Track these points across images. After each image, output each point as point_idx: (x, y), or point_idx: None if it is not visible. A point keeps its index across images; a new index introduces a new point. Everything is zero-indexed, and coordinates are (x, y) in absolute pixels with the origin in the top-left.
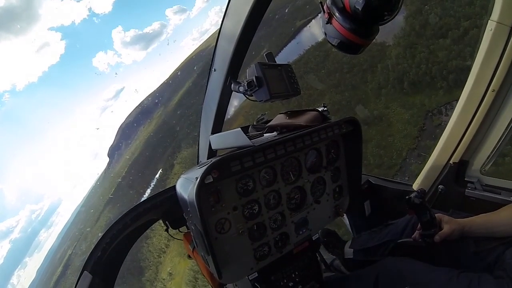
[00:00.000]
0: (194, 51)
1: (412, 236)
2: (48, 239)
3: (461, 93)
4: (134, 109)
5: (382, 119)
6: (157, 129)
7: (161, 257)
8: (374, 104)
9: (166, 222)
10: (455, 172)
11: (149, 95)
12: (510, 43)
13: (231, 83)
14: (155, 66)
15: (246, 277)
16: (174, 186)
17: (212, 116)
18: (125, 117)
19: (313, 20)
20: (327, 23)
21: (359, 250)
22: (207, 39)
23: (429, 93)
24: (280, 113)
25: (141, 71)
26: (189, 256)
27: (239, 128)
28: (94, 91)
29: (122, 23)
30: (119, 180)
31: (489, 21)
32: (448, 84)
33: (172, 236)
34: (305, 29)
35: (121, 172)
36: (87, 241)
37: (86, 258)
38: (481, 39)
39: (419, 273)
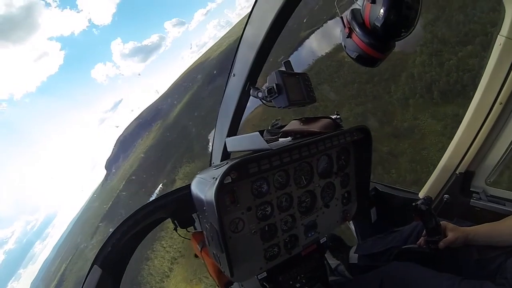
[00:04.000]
0: (193, 63)
1: (417, 242)
2: (43, 250)
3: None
4: (133, 121)
5: (413, 131)
6: (155, 142)
7: (164, 281)
8: (401, 116)
9: (175, 221)
10: (461, 182)
11: (147, 107)
12: None
13: (250, 89)
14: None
15: (255, 276)
16: (184, 187)
17: (229, 120)
18: (123, 129)
19: (318, 30)
20: (347, 37)
21: (364, 255)
22: (206, 52)
23: (461, 103)
24: (294, 119)
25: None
26: (195, 256)
27: (257, 132)
28: (93, 102)
29: (121, 35)
30: (117, 193)
31: (498, 36)
32: None
33: (180, 235)
34: (311, 38)
35: (119, 185)
36: (82, 257)
37: (96, 253)
38: (490, 53)
39: (423, 279)
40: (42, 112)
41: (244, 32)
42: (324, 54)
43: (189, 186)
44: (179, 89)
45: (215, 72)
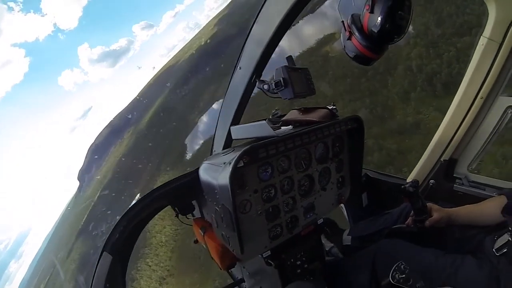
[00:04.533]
0: (163, 67)
1: (406, 222)
2: (19, 270)
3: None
4: (104, 128)
5: (419, 126)
6: (129, 150)
7: None
8: (402, 110)
9: (176, 208)
10: (445, 169)
11: (118, 113)
12: (498, 58)
13: (256, 82)
14: (123, 83)
15: (258, 257)
16: (184, 175)
17: (233, 109)
18: (95, 137)
19: (293, 27)
20: (347, 39)
21: (356, 237)
22: (175, 55)
23: None
24: (293, 109)
25: (109, 89)
26: (195, 241)
27: (264, 121)
28: (62, 110)
29: (88, 39)
30: (92, 205)
31: (481, 37)
32: None
33: (182, 222)
34: (288, 35)
35: (93, 196)
36: (58, 279)
37: (105, 240)
38: (473, 52)
39: (410, 253)
40: (7, 124)
41: (252, 30)
42: (306, 50)
43: (188, 174)
44: (150, 94)
45: (188, 74)
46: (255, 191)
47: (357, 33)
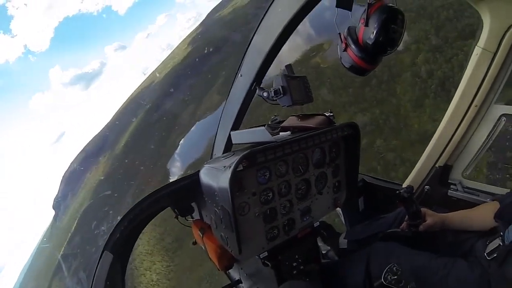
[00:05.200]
0: (137, 88)
1: (400, 226)
2: None
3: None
4: (78, 154)
5: None
6: (106, 176)
7: None
8: (417, 119)
9: (175, 210)
10: (440, 175)
11: (92, 138)
12: (492, 67)
13: (256, 89)
14: (96, 106)
15: (255, 258)
16: (184, 178)
17: (234, 115)
18: (69, 163)
19: None
20: (343, 51)
21: (352, 241)
22: (149, 76)
23: None
24: (291, 116)
25: (82, 113)
26: (194, 243)
27: (263, 127)
28: (33, 135)
29: (60, 61)
30: (69, 236)
31: (476, 46)
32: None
33: (181, 223)
34: None
35: (70, 227)
36: None
37: (106, 239)
38: (468, 62)
39: (404, 254)
40: None
41: (253, 39)
42: (294, 62)
43: (188, 177)
44: (125, 117)
45: (163, 94)
46: (254, 194)
47: (352, 45)
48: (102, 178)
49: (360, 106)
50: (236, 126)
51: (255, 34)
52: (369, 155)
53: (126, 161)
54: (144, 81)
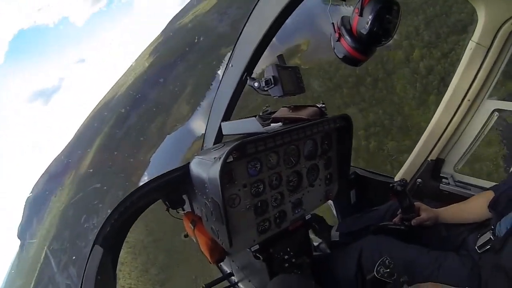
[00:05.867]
0: (100, 102)
1: (393, 220)
2: None
3: None
4: (41, 176)
5: None
6: (70, 199)
7: None
8: (424, 116)
9: (166, 202)
10: (432, 168)
11: (55, 158)
12: (485, 62)
13: (247, 79)
14: (57, 124)
15: (246, 251)
16: (175, 169)
17: (224, 106)
18: (32, 187)
19: None
20: (337, 41)
21: (344, 233)
22: (111, 89)
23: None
24: (283, 107)
25: (42, 131)
26: (185, 236)
27: (254, 117)
28: None
29: (17, 77)
30: (39, 266)
31: (470, 41)
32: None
33: (172, 215)
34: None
35: (39, 256)
36: None
37: (96, 233)
38: (462, 56)
39: (396, 249)
40: None
41: (244, 30)
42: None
43: (179, 168)
44: (88, 133)
45: (127, 107)
46: (244, 186)
47: (346, 35)
48: (64, 205)
49: (358, 107)
50: (227, 117)
51: (247, 23)
52: (380, 158)
53: (98, 184)
54: (106, 94)
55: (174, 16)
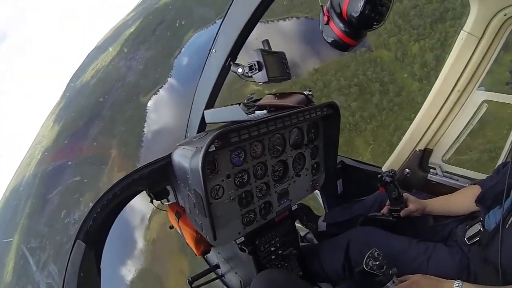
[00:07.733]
0: (6, 190)
1: (381, 210)
2: None
3: None
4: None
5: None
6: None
7: None
8: None
9: (150, 193)
10: (420, 158)
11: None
12: (476, 52)
13: (231, 65)
14: None
15: (232, 243)
16: (158, 160)
17: (207, 93)
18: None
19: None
20: (325, 24)
21: (331, 223)
22: (17, 172)
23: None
24: (268, 94)
25: None
26: (170, 227)
27: (237, 105)
28: None
29: None
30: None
31: (462, 31)
32: None
33: (156, 207)
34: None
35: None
36: None
37: (78, 228)
38: (453, 46)
39: (384, 240)
40: None
41: (228, 12)
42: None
43: (162, 158)
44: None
45: (42, 191)
46: (228, 176)
47: (336, 18)
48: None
49: (377, 119)
50: (210, 105)
51: (231, 6)
52: None
53: None
54: (14, 176)
55: (73, 75)
